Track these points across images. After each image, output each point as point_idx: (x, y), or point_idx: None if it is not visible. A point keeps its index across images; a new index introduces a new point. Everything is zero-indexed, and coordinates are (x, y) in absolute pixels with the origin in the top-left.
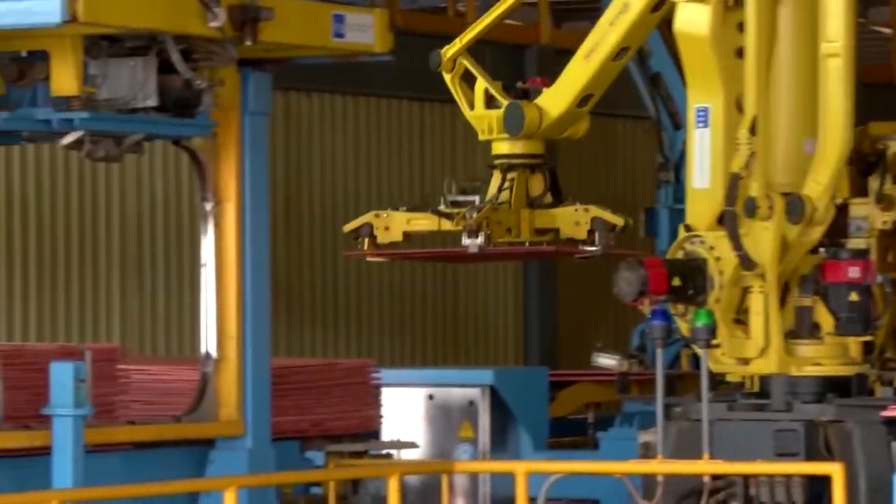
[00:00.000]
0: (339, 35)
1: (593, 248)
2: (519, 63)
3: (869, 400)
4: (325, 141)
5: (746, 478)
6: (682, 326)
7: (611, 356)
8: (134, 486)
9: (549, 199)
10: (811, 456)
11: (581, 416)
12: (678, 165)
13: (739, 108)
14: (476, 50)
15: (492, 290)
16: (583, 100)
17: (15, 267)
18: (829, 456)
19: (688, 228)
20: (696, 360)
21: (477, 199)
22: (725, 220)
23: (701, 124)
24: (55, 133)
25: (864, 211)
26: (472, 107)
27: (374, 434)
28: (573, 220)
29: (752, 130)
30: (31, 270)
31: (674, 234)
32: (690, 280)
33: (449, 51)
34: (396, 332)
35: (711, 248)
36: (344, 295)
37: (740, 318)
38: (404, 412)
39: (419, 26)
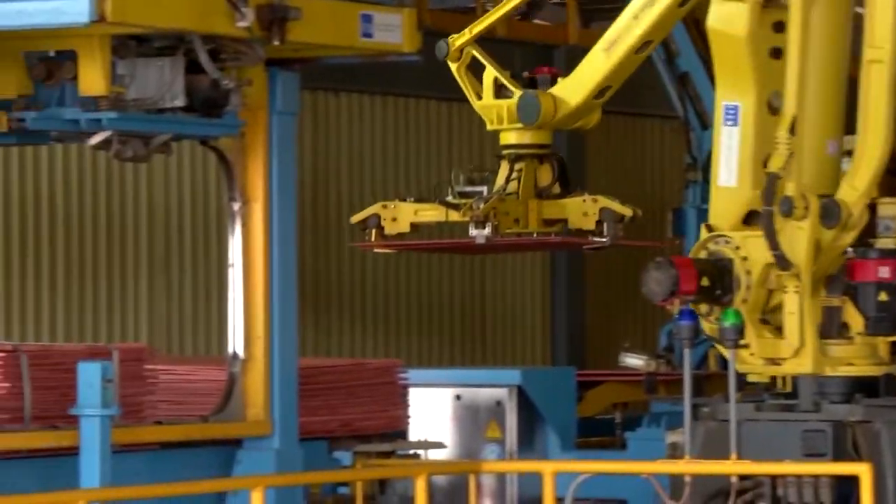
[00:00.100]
0: (368, 35)
1: (602, 239)
2: (548, 63)
3: None
4: (352, 141)
5: (774, 478)
6: (707, 327)
7: (638, 356)
8: (161, 486)
9: (557, 189)
10: (839, 456)
11: (608, 416)
12: (706, 165)
13: (770, 107)
14: (505, 50)
15: (519, 291)
16: (600, 92)
17: (43, 267)
18: (856, 456)
19: (710, 228)
20: (723, 361)
21: (485, 189)
22: (763, 220)
23: (730, 122)
24: (83, 133)
25: (892, 211)
26: (479, 97)
27: (402, 434)
28: (581, 210)
29: (792, 130)
30: (59, 270)
31: None
32: (718, 280)
33: (457, 40)
34: (424, 331)
35: (737, 247)
36: (371, 294)
37: (765, 319)
38: (432, 412)
39: (448, 26)
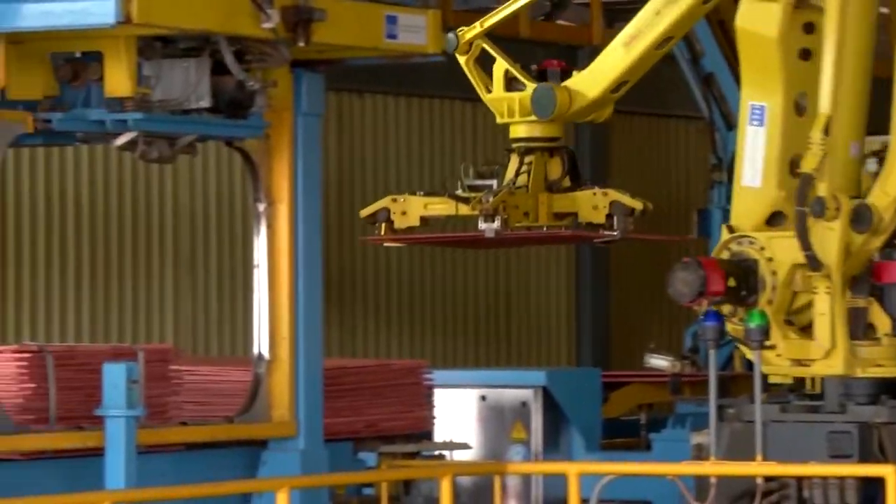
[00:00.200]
0: (392, 36)
1: (612, 233)
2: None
3: None
4: (377, 142)
5: (800, 480)
6: (730, 328)
7: (663, 357)
8: (186, 487)
9: (567, 182)
10: (865, 458)
11: (634, 417)
12: (731, 166)
13: (797, 108)
14: (528, 50)
15: (544, 291)
16: (617, 86)
17: (68, 268)
18: (882, 458)
19: (731, 229)
20: (748, 362)
21: (494, 183)
22: (796, 221)
23: (755, 122)
24: (109, 134)
25: None
26: (488, 90)
27: (427, 435)
28: (591, 203)
29: (826, 131)
30: (85, 271)
31: None
32: (743, 281)
33: (468, 33)
34: (449, 332)
35: (762, 248)
36: (396, 295)
37: (789, 320)
38: (457, 413)
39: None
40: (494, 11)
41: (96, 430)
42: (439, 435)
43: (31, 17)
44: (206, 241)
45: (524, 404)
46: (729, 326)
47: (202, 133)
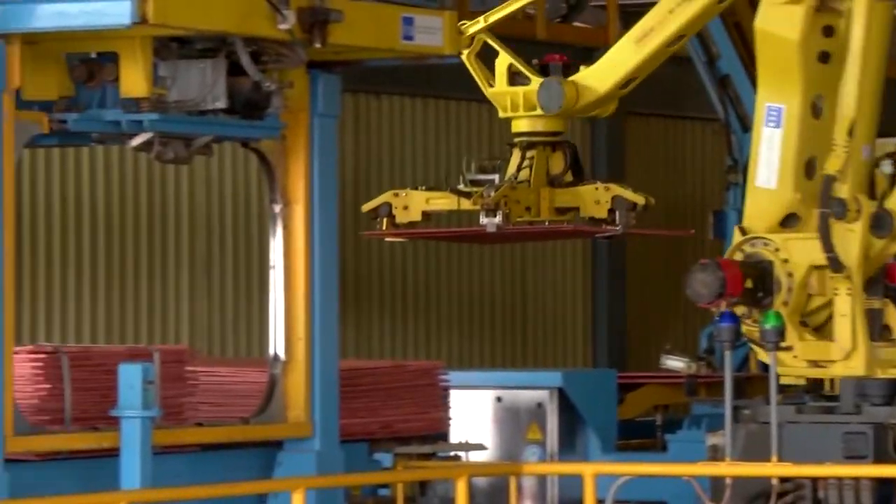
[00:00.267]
0: (409, 37)
1: (614, 228)
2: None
3: None
4: (393, 143)
5: (815, 481)
6: (744, 329)
7: (679, 358)
8: (201, 487)
9: (569, 177)
10: (880, 459)
11: (649, 418)
12: (747, 167)
13: (813, 111)
14: (544, 52)
15: (560, 292)
16: (626, 82)
17: (84, 268)
18: None
19: (743, 231)
20: (764, 363)
21: (496, 177)
22: (820, 222)
23: (772, 123)
24: (124, 134)
25: None
26: (489, 85)
27: (443, 436)
28: (593, 198)
29: (851, 133)
30: (101, 272)
31: None
32: (760, 283)
33: (470, 27)
34: (465, 333)
35: (777, 250)
36: (413, 295)
37: (804, 321)
38: (472, 414)
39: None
40: (499, 7)
41: (112, 430)
42: (455, 436)
43: (46, 18)
44: (221, 241)
45: (540, 405)
46: (743, 328)
47: (218, 134)
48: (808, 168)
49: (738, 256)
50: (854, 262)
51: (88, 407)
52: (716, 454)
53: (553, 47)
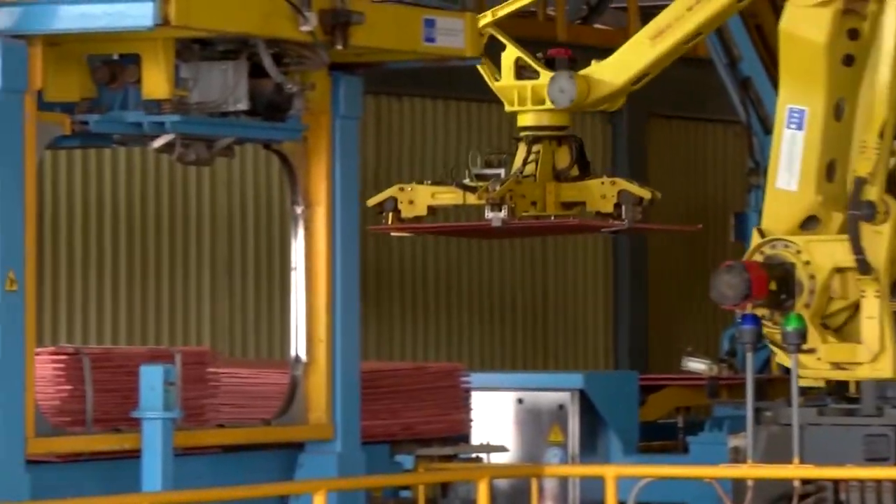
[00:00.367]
0: (430, 39)
1: (620, 222)
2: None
3: None
4: (415, 145)
5: (836, 483)
6: (766, 331)
7: (701, 360)
8: (223, 489)
9: (575, 171)
10: None
11: (671, 420)
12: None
13: (836, 113)
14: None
15: (581, 294)
16: (638, 78)
17: (105, 270)
18: None
19: (762, 233)
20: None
21: (502, 172)
22: (850, 224)
23: (793, 125)
24: (146, 136)
25: None
26: (495, 79)
27: (464, 438)
28: (599, 193)
29: (882, 135)
30: (122, 273)
31: None
32: (783, 285)
33: (478, 21)
34: (486, 334)
35: (799, 252)
36: (434, 297)
37: (825, 323)
38: (494, 416)
39: (509, 31)
40: (508, 2)
41: (133, 432)
42: (476, 438)
43: (68, 19)
44: (243, 243)
45: (561, 407)
46: (764, 330)
47: (240, 136)
48: (829, 171)
49: (758, 258)
50: (882, 264)
51: (110, 408)
52: (737, 456)
53: (574, 48)
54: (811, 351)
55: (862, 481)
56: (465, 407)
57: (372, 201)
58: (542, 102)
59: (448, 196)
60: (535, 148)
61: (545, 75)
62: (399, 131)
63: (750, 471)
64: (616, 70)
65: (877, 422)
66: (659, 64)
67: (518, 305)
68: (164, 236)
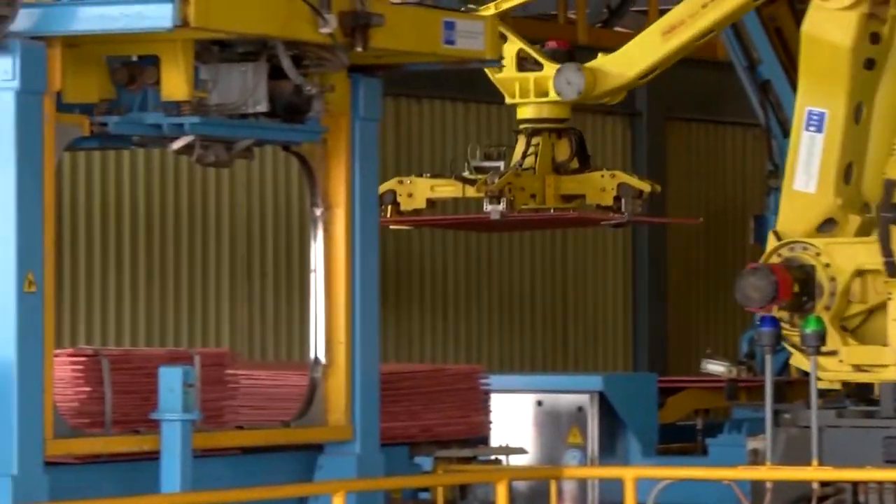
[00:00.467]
0: (450, 42)
1: (620, 215)
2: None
3: None
4: (434, 147)
5: (855, 485)
6: (786, 334)
7: (720, 362)
8: (242, 490)
9: (575, 164)
10: None
11: (690, 422)
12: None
13: (855, 116)
14: (587, 57)
15: (601, 296)
16: (648, 73)
17: (125, 271)
18: None
19: (778, 235)
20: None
21: (501, 164)
22: (880, 227)
23: (813, 128)
24: (165, 138)
25: None
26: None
27: (483, 440)
28: (599, 186)
29: None
30: (141, 275)
31: None
32: (805, 287)
33: (505, 3)
34: (506, 336)
35: (818, 254)
36: (453, 299)
37: (843, 326)
38: (513, 418)
39: (530, 33)
40: None
41: (152, 433)
42: (495, 439)
43: (87, 21)
44: (262, 245)
45: (580, 409)
46: (784, 333)
47: (259, 137)
48: (846, 173)
49: (775, 261)
50: None
51: (129, 410)
52: (756, 458)
53: (595, 51)
54: (832, 353)
55: (881, 483)
56: (485, 409)
57: None
58: (546, 94)
59: (447, 189)
60: (534, 140)
61: (549, 67)
62: (418, 133)
63: (769, 473)
64: (625, 63)
65: None
66: (669, 60)
67: (537, 307)
68: (184, 238)
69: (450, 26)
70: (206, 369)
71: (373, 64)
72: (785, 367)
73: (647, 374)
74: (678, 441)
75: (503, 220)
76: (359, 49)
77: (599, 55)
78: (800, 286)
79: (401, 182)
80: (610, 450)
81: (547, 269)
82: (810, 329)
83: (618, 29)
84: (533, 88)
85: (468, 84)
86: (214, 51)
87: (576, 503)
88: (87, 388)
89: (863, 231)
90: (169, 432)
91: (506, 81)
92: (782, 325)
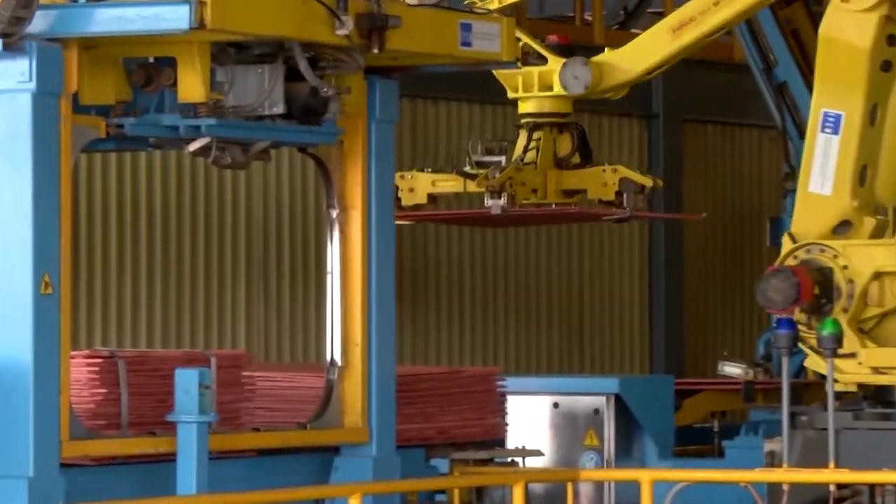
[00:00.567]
0: (466, 43)
1: (621, 211)
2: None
3: None
4: (451, 148)
5: (872, 487)
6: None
7: (736, 365)
8: (258, 492)
9: (577, 159)
10: None
11: (706, 424)
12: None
13: (871, 118)
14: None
15: (617, 298)
16: (655, 69)
17: (141, 273)
18: None
19: (793, 238)
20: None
21: (503, 159)
22: None
23: (829, 130)
24: (182, 139)
25: None
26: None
27: (500, 442)
28: (601, 181)
29: None
30: (157, 277)
31: None
32: (824, 289)
33: (492, 3)
34: (522, 338)
35: (836, 256)
36: (470, 301)
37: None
38: (529, 420)
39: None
40: None
41: (168, 435)
42: (512, 442)
43: (104, 22)
44: (278, 246)
45: (597, 411)
46: (802, 335)
47: (275, 139)
48: (861, 175)
49: (791, 263)
50: None
51: (145, 412)
52: (773, 460)
53: None
54: (851, 355)
55: None
56: (501, 411)
57: None
58: (550, 88)
59: (448, 184)
60: (535, 135)
61: (554, 61)
62: (435, 135)
63: (785, 475)
64: (633, 59)
65: None
66: (677, 56)
67: (554, 310)
68: (200, 239)
69: (466, 28)
70: (222, 371)
71: (389, 66)
72: (802, 369)
73: (663, 377)
74: (695, 443)
75: (504, 215)
76: (375, 51)
77: (606, 50)
78: (819, 288)
79: (402, 177)
80: (626, 452)
81: (563, 272)
82: (827, 331)
83: (634, 31)
84: (537, 83)
85: (484, 85)
86: (231, 52)
87: None
88: (103, 390)
89: (877, 233)
90: (185, 434)
91: (508, 76)
92: (799, 327)
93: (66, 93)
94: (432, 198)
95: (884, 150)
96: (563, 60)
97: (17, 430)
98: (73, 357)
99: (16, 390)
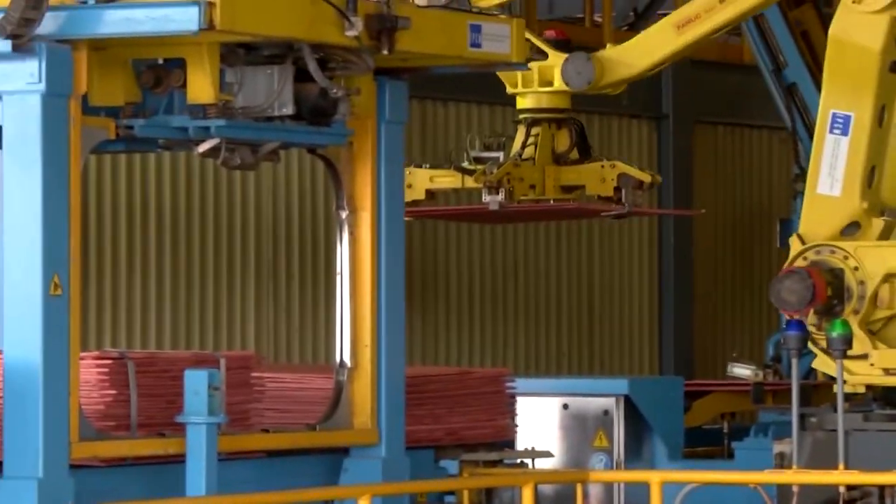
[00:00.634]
0: (476, 45)
1: (620, 206)
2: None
3: None
4: (460, 149)
5: (882, 488)
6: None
7: (746, 366)
8: (267, 494)
9: (575, 155)
10: None
11: (716, 426)
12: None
13: (879, 119)
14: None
15: (627, 299)
16: (658, 66)
17: (150, 274)
18: None
19: (802, 239)
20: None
21: (501, 155)
22: None
23: (837, 131)
24: (191, 141)
25: None
26: None
27: (509, 443)
28: (599, 176)
29: None
30: (166, 278)
31: None
32: (835, 290)
33: (482, 1)
34: (532, 339)
35: (846, 257)
36: (479, 302)
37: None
38: (539, 421)
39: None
40: None
41: (177, 437)
42: (521, 443)
43: (113, 24)
44: (288, 248)
45: (606, 413)
46: (813, 336)
47: (285, 140)
48: (870, 176)
49: (801, 264)
50: None
51: (154, 413)
52: (782, 462)
53: None
54: (862, 357)
55: None
56: (511, 412)
57: None
58: (550, 84)
59: (446, 179)
60: (534, 130)
61: (555, 56)
62: (444, 136)
63: (795, 476)
64: (636, 55)
65: None
66: (680, 53)
67: (563, 311)
68: (209, 240)
69: (476, 29)
70: (231, 372)
71: (399, 67)
72: (811, 370)
73: (673, 378)
74: (704, 445)
75: (502, 211)
76: (385, 52)
77: (608, 45)
78: (831, 290)
79: None
80: (636, 453)
81: (573, 272)
82: (836, 333)
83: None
84: (537, 78)
85: (493, 86)
86: (240, 53)
87: None
88: (113, 391)
89: (884, 235)
90: (194, 435)
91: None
92: (810, 328)
93: (76, 94)
94: (430, 194)
95: (890, 152)
96: (564, 55)
97: (26, 431)
98: (82, 358)
99: (25, 391)
